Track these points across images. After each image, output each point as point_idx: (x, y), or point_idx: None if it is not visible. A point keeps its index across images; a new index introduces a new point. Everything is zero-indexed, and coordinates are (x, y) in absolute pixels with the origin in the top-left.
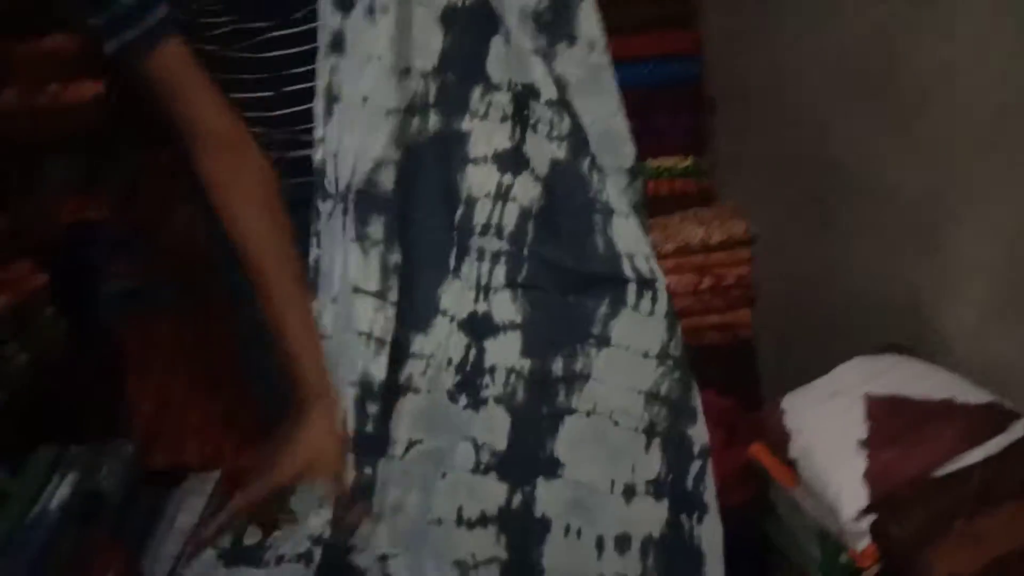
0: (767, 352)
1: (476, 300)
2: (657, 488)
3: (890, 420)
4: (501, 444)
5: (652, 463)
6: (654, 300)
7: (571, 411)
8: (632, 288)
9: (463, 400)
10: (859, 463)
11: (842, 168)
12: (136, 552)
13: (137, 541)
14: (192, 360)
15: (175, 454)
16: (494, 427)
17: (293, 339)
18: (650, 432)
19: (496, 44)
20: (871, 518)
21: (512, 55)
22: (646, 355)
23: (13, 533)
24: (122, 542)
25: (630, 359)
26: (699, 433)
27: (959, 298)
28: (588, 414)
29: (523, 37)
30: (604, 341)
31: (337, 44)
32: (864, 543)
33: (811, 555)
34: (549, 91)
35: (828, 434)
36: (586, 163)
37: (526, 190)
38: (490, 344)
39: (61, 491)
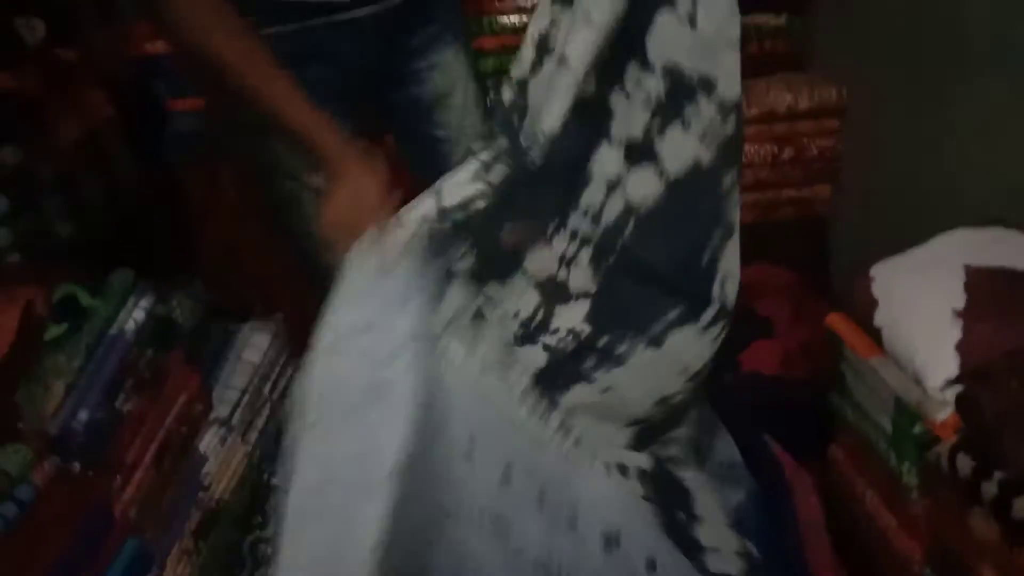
0: (842, 230)
1: (558, 268)
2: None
3: (990, 292)
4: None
5: (622, 439)
6: (723, 329)
7: (589, 380)
8: (711, 311)
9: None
10: (952, 333)
11: (968, 31)
12: (207, 379)
13: (208, 369)
14: (254, 210)
15: (237, 296)
16: (531, 363)
17: (304, 124)
18: (636, 423)
19: (663, 20)
20: (958, 388)
21: (694, 41)
22: (683, 371)
23: (97, 346)
24: (195, 367)
25: (667, 370)
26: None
27: None
28: (601, 392)
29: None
30: (655, 343)
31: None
32: (945, 414)
33: (881, 426)
34: (732, 90)
35: (920, 303)
36: (731, 176)
37: (641, 186)
38: (560, 309)
39: (136, 314)
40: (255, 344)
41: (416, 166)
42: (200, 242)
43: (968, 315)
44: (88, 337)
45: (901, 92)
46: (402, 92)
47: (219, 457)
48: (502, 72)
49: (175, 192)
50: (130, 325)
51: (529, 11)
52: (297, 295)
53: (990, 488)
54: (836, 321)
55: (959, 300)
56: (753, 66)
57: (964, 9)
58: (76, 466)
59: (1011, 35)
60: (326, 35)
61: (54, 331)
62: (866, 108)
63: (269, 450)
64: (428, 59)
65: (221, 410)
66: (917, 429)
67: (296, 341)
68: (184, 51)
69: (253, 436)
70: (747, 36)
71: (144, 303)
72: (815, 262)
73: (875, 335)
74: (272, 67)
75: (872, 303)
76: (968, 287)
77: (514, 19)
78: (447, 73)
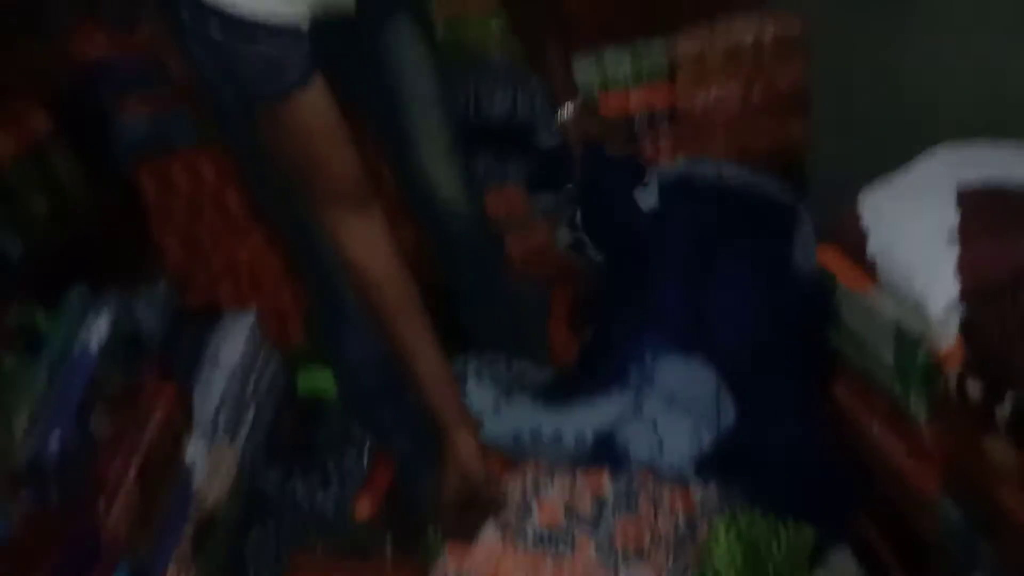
0: (819, 162)
1: None
2: None
3: (986, 208)
4: None
5: None
6: None
7: None
8: None
9: None
10: (950, 253)
11: None
12: (185, 388)
13: (184, 377)
14: (215, 201)
15: (209, 295)
16: None
17: (426, 377)
18: None
19: None
20: (962, 311)
21: None
22: None
23: (56, 374)
24: (171, 379)
25: None
26: None
27: None
28: None
29: None
30: None
31: None
32: (950, 339)
33: (883, 360)
34: None
35: (913, 227)
36: None
37: None
38: None
39: (98, 332)
40: (231, 344)
41: (372, 122)
42: (160, 244)
43: (965, 234)
44: (49, 362)
45: (867, 8)
46: (354, 52)
47: (207, 466)
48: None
49: (128, 197)
50: (93, 344)
51: None
52: (273, 287)
53: (1004, 410)
54: (827, 256)
55: (953, 219)
56: (715, 5)
57: None
58: (53, 496)
59: None
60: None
61: (10, 361)
62: (833, 33)
63: (258, 453)
64: (380, 26)
65: (203, 417)
66: (921, 358)
67: (273, 333)
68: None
69: (240, 441)
70: None
71: (106, 318)
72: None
73: (869, 267)
74: (426, 326)
75: (863, 234)
76: (962, 204)
77: None
78: (399, 35)
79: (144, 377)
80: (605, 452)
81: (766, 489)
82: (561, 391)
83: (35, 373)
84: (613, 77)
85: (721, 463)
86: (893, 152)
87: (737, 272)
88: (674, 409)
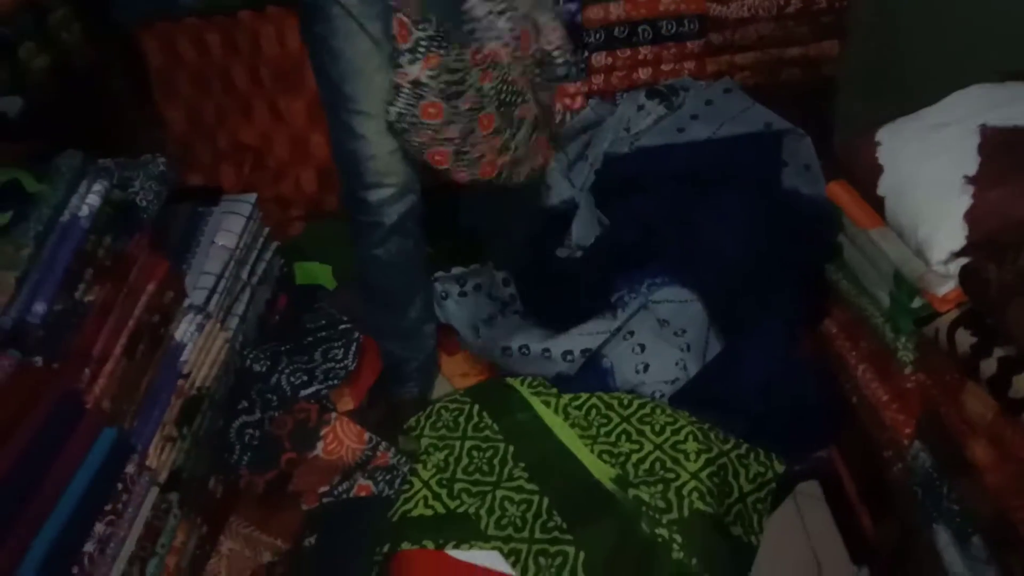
0: (850, 91)
1: None
2: None
3: (1007, 155)
4: None
5: None
6: None
7: None
8: None
9: None
10: (962, 200)
11: None
12: (178, 265)
13: (179, 255)
14: (222, 77)
15: (210, 176)
16: None
17: None
18: None
19: None
20: (965, 260)
21: None
22: None
23: (48, 235)
24: (162, 253)
25: None
26: None
27: None
28: None
29: None
30: None
31: None
32: (947, 288)
33: (878, 301)
34: None
35: (929, 168)
36: None
37: None
38: None
39: (90, 199)
40: (228, 227)
41: None
42: (162, 117)
43: (980, 181)
44: (37, 225)
45: None
46: None
47: (197, 344)
48: None
49: (130, 61)
50: (84, 211)
51: None
52: (275, 176)
53: (989, 365)
54: (836, 190)
55: (972, 164)
56: None
57: None
58: (38, 360)
59: None
60: None
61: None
62: None
63: (250, 337)
64: None
65: (196, 296)
66: (916, 303)
67: (274, 221)
68: None
69: (234, 322)
70: None
71: (98, 186)
72: (820, 129)
73: (878, 204)
74: None
75: (876, 169)
76: (982, 149)
77: None
78: None
79: (136, 250)
80: (591, 369)
81: (742, 420)
82: (558, 313)
83: (24, 235)
84: None
85: (702, 392)
86: (927, 84)
87: (721, 204)
88: (664, 337)
